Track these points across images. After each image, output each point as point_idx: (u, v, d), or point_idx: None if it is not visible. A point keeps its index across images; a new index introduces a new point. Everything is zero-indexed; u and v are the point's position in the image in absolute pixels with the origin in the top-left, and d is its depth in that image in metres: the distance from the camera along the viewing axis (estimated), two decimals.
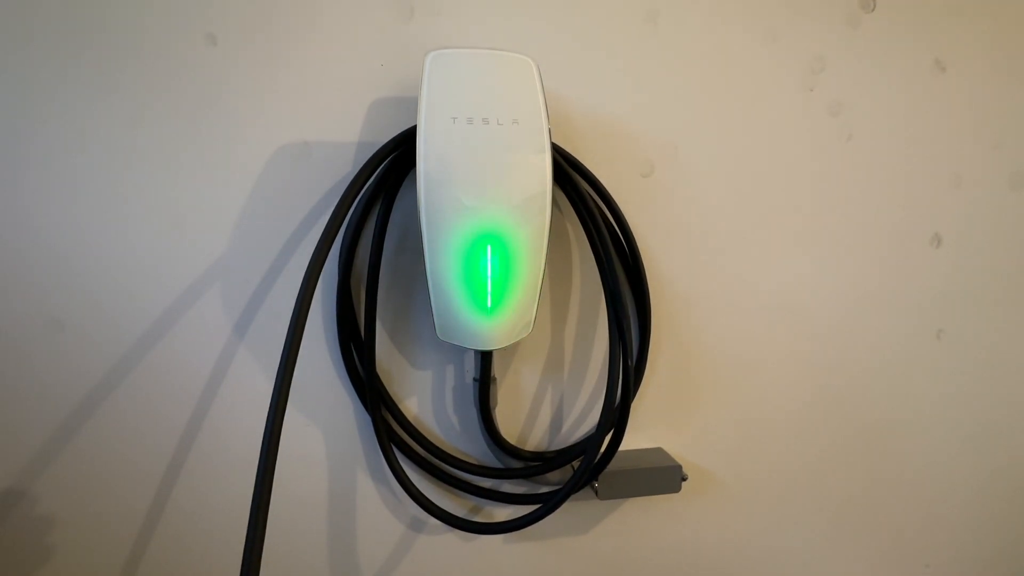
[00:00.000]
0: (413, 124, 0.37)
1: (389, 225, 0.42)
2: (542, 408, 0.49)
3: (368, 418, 0.45)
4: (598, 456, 0.44)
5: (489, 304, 0.38)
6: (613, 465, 0.46)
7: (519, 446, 0.48)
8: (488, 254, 0.37)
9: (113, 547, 0.44)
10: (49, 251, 0.39)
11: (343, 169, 0.42)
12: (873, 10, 0.49)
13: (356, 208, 0.42)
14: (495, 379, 0.44)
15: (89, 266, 0.40)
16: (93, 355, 0.41)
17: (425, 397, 0.47)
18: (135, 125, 0.39)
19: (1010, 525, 0.64)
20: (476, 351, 0.42)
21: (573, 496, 0.44)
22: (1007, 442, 0.61)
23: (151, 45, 0.38)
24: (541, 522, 0.45)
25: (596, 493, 0.47)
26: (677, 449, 0.52)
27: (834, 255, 0.52)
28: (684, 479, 0.49)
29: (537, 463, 0.48)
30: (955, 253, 0.55)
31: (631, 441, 0.51)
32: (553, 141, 0.38)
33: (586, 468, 0.43)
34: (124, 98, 0.38)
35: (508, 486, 0.49)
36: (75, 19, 0.37)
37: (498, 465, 0.49)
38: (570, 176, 0.42)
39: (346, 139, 0.42)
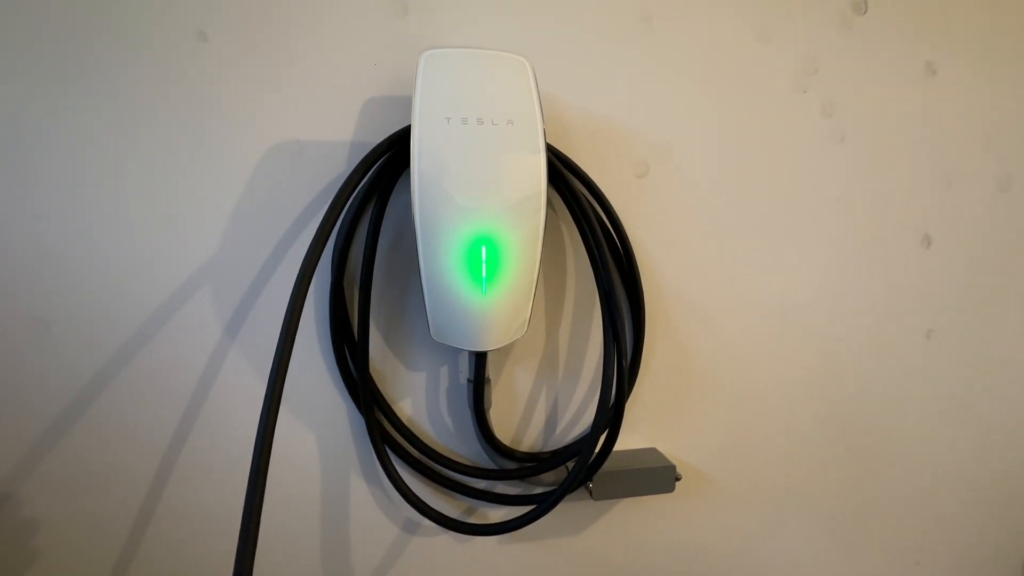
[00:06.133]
0: (407, 124, 0.37)
1: (383, 225, 0.41)
2: (536, 409, 0.49)
3: (361, 419, 0.45)
4: (592, 457, 0.44)
5: (483, 305, 0.38)
6: (607, 465, 0.46)
7: (513, 447, 0.48)
8: (483, 255, 0.37)
9: (103, 549, 0.43)
10: (39, 249, 0.38)
11: (336, 169, 0.42)
12: (865, 13, 0.49)
13: (349, 208, 0.41)
14: (489, 380, 0.44)
15: (79, 265, 0.39)
16: (83, 354, 0.40)
17: (419, 398, 0.46)
18: (125, 122, 0.38)
19: (1000, 522, 0.65)
20: (470, 352, 0.42)
21: (567, 497, 0.44)
22: (996, 441, 0.62)
23: (142, 42, 0.38)
24: (535, 523, 0.45)
25: (590, 494, 0.47)
26: (671, 449, 0.52)
27: (825, 255, 0.53)
28: (678, 479, 0.49)
29: (531, 464, 0.48)
30: (945, 254, 0.56)
31: (625, 441, 0.51)
32: (547, 141, 0.38)
33: (581, 469, 0.43)
34: (114, 95, 0.38)
35: (502, 487, 0.49)
36: (64, 15, 0.37)
37: (492, 466, 0.49)
38: (564, 176, 0.42)
39: (339, 138, 0.42)
